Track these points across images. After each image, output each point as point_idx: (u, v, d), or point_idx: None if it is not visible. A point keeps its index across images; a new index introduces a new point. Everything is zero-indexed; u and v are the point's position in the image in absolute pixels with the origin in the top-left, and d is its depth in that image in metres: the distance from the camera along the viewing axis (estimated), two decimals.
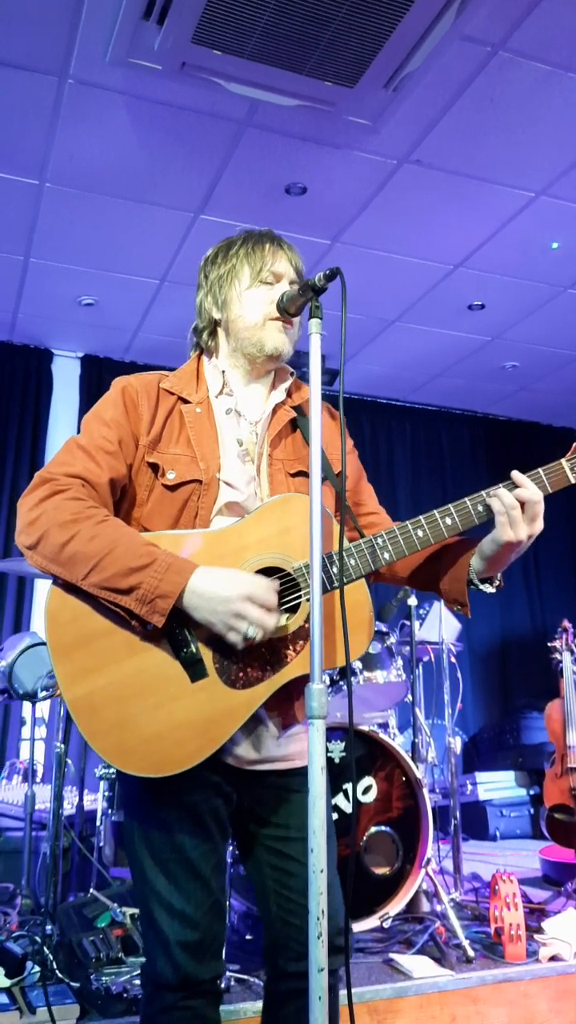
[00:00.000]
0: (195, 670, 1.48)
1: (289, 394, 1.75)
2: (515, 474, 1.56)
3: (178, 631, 1.48)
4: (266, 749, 1.58)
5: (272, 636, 1.48)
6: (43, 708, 4.32)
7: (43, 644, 3.68)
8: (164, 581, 1.43)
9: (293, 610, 1.51)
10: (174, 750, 1.46)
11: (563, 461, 1.60)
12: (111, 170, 4.20)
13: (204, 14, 3.09)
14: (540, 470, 1.58)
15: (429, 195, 4.44)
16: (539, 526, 1.55)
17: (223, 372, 1.73)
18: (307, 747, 1.53)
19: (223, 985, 2.25)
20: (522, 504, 1.54)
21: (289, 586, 1.52)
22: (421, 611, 4.28)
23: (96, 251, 4.92)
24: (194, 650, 1.48)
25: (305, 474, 1.65)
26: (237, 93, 3.54)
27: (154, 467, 1.61)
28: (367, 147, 4.04)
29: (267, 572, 1.52)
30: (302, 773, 1.57)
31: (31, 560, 1.52)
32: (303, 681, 1.45)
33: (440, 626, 4.17)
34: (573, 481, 1.59)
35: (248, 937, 3.02)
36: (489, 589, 1.64)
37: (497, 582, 1.65)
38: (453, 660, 4.31)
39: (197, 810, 1.53)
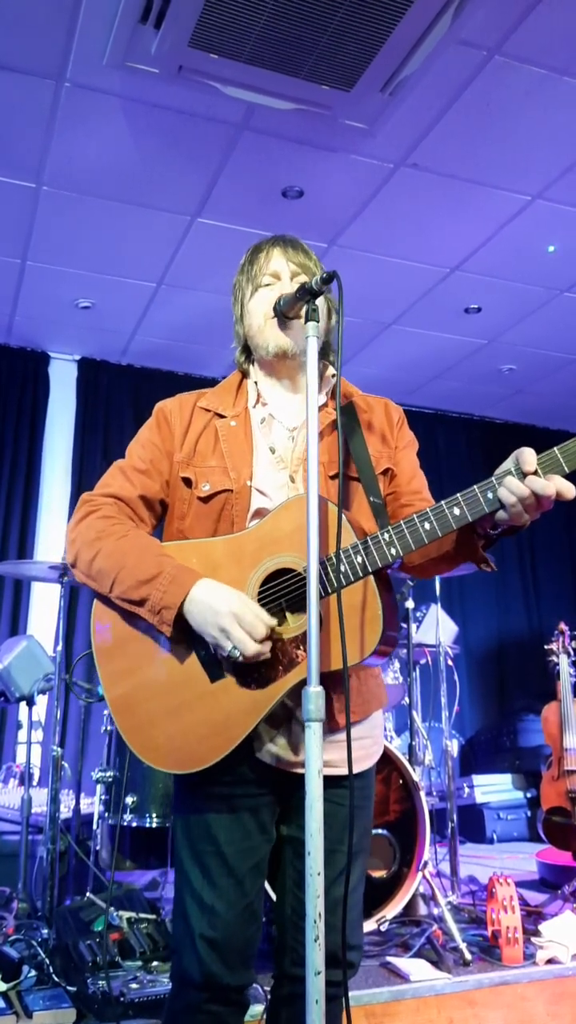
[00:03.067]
0: (214, 671, 1.54)
1: (332, 396, 1.76)
2: (527, 456, 1.41)
3: (197, 634, 1.54)
4: (303, 753, 1.56)
5: (283, 637, 1.50)
6: (39, 711, 4.31)
7: (39, 647, 3.68)
8: (167, 593, 1.52)
9: (303, 610, 1.51)
10: (196, 747, 1.52)
11: (555, 449, 1.42)
12: (108, 173, 4.21)
13: (201, 18, 3.09)
14: (556, 449, 1.42)
15: (426, 199, 4.44)
16: (543, 509, 1.44)
17: (255, 383, 1.80)
18: (334, 755, 1.54)
19: None
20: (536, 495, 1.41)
21: (301, 587, 1.53)
22: (418, 614, 4.29)
23: (93, 254, 4.93)
24: (212, 651, 1.54)
25: (345, 476, 1.65)
26: (234, 97, 3.54)
27: (187, 481, 1.70)
28: (364, 151, 4.05)
29: (278, 574, 1.55)
30: (341, 785, 1.56)
31: (76, 576, 1.67)
32: (338, 682, 1.48)
33: (437, 629, 4.18)
34: (568, 470, 1.42)
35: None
36: (494, 533, 1.55)
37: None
38: (450, 663, 4.31)
39: (235, 805, 1.57)
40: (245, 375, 1.84)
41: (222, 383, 1.85)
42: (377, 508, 1.66)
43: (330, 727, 1.56)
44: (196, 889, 1.55)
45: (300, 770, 1.56)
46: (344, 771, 1.53)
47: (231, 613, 1.47)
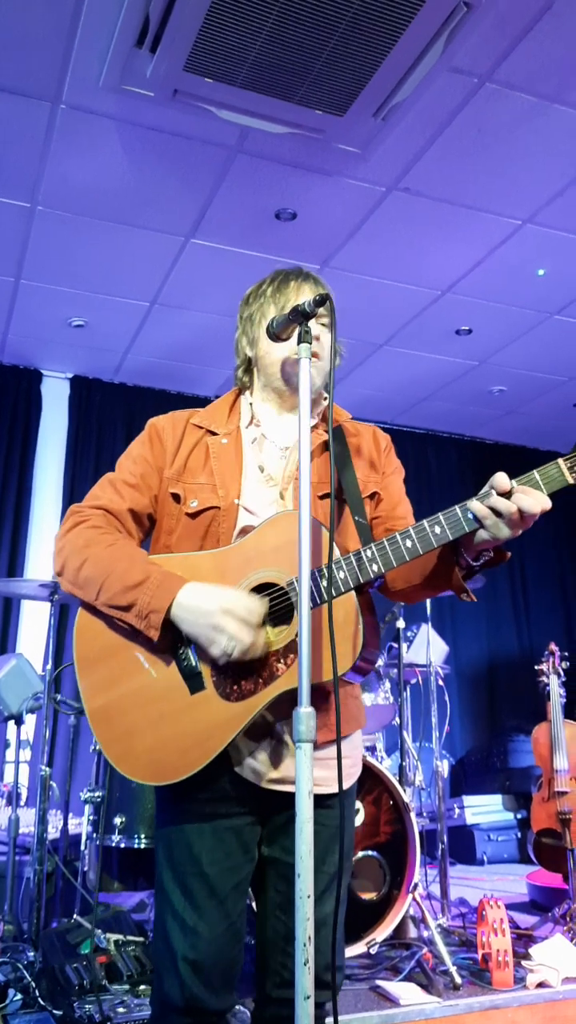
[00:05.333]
0: (194, 683, 1.55)
1: (324, 418, 1.79)
2: (500, 481, 1.46)
3: (180, 646, 1.56)
4: (285, 768, 1.57)
5: (259, 652, 1.50)
6: (28, 730, 4.29)
7: (28, 664, 3.66)
8: (155, 597, 1.52)
9: (286, 622, 1.53)
10: (175, 759, 1.52)
11: (560, 460, 1.48)
12: (103, 194, 4.24)
13: (196, 42, 3.14)
14: (535, 472, 1.47)
15: (417, 222, 4.49)
16: (523, 527, 1.48)
17: (251, 405, 1.81)
18: (330, 775, 1.55)
19: None
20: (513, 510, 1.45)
21: (282, 600, 1.54)
22: (409, 633, 4.29)
23: (87, 273, 4.95)
24: (193, 663, 1.55)
25: (332, 495, 1.62)
26: (228, 120, 3.58)
27: (176, 497, 1.71)
28: (356, 174, 4.10)
29: (263, 587, 1.55)
30: (326, 805, 1.58)
31: (62, 585, 1.67)
32: (319, 697, 1.46)
33: (428, 648, 4.18)
34: (571, 481, 1.47)
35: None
36: (476, 564, 1.58)
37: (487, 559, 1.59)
38: (441, 683, 4.31)
39: (217, 825, 1.55)
40: (241, 391, 1.86)
41: (217, 401, 1.86)
42: (362, 528, 1.68)
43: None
44: (178, 910, 1.53)
45: (280, 787, 1.57)
46: (325, 790, 1.56)
47: (222, 609, 1.48)
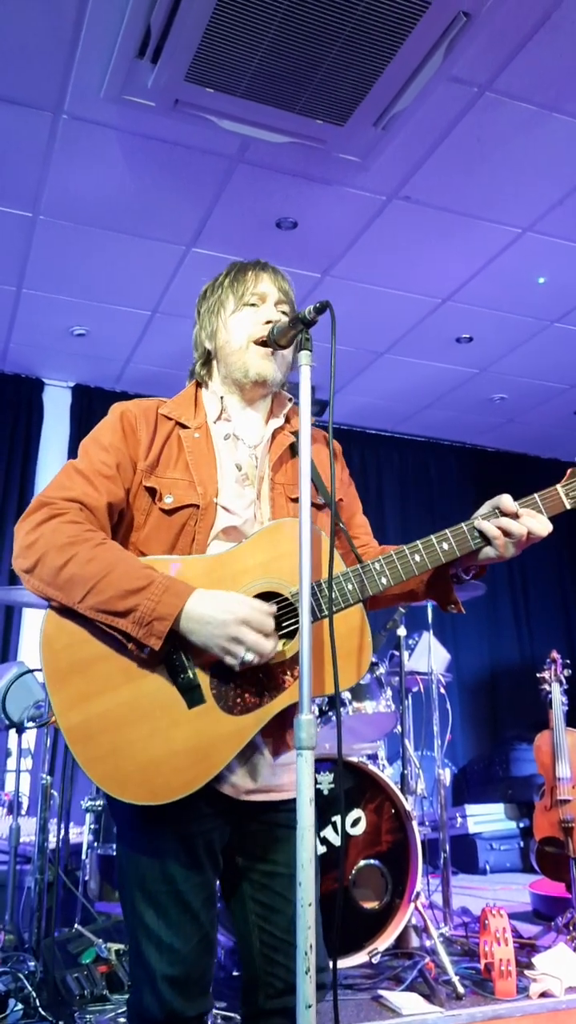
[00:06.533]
0: (192, 696, 1.47)
1: (288, 419, 1.76)
2: (507, 503, 1.55)
3: (175, 656, 1.47)
4: (262, 778, 1.56)
5: (269, 661, 1.47)
6: (29, 739, 4.28)
7: (30, 673, 3.66)
8: (161, 603, 1.42)
9: (290, 636, 1.50)
10: (171, 777, 1.44)
11: (558, 487, 1.59)
12: (104, 203, 4.26)
13: (198, 53, 3.16)
14: (536, 496, 1.58)
15: (417, 230, 4.51)
16: (520, 549, 1.58)
17: (221, 398, 1.75)
18: (284, 779, 1.54)
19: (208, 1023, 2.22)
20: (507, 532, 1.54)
21: (287, 611, 1.52)
22: (410, 641, 4.28)
23: (88, 282, 4.97)
24: (191, 675, 1.47)
25: (313, 503, 1.64)
26: (229, 130, 3.60)
27: (151, 491, 1.61)
28: (357, 183, 4.12)
29: (263, 597, 1.51)
30: (293, 807, 1.56)
31: (28, 584, 1.51)
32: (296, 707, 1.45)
33: (429, 656, 4.17)
34: (569, 507, 1.58)
35: (235, 973, 2.98)
36: (465, 577, 1.66)
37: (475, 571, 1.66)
38: (442, 691, 4.30)
39: (191, 841, 1.50)
40: (200, 385, 1.80)
41: (180, 393, 1.80)
42: (345, 533, 1.69)
43: (280, 749, 1.57)
44: (152, 929, 1.48)
45: (257, 797, 1.56)
46: (292, 794, 1.54)
47: (238, 619, 1.42)
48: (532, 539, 1.55)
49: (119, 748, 1.44)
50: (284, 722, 1.54)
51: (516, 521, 1.54)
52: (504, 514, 1.54)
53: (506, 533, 1.53)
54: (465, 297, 5.18)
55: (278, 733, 1.56)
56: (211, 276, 1.85)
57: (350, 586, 1.52)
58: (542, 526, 1.54)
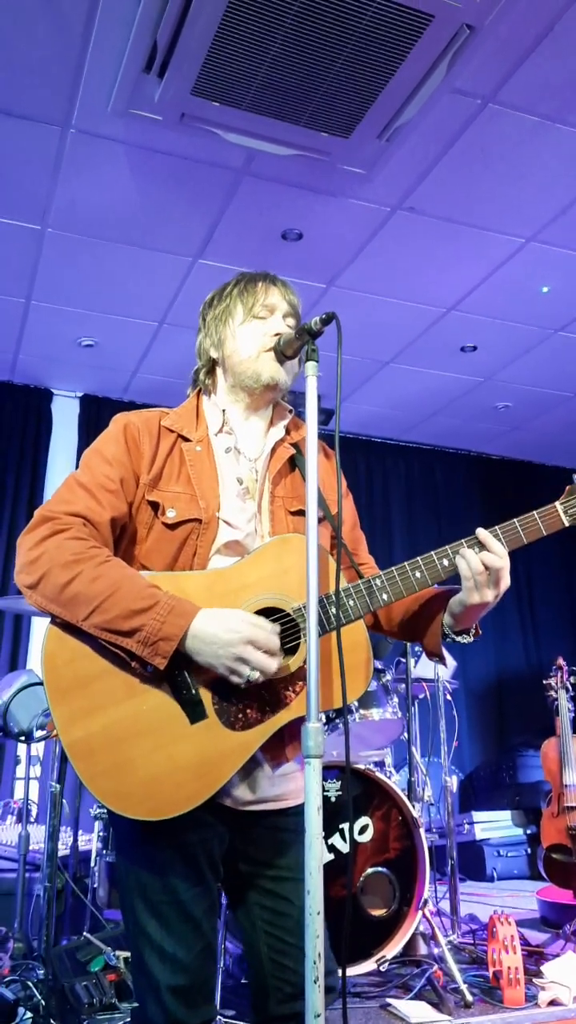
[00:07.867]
0: (194, 711, 1.47)
1: (288, 431, 1.77)
2: (480, 532, 1.56)
3: (177, 673, 1.47)
4: (261, 789, 1.57)
5: (273, 677, 1.48)
6: (38, 747, 4.29)
7: (40, 683, 3.67)
8: (167, 624, 1.43)
9: (292, 651, 1.51)
10: (173, 792, 1.44)
11: (556, 504, 1.58)
12: (112, 216, 4.30)
13: (204, 67, 3.19)
14: (516, 521, 1.57)
15: (422, 241, 4.54)
16: (504, 586, 1.55)
17: (223, 410, 1.74)
18: (301, 786, 1.53)
19: None
20: (487, 567, 1.53)
21: (289, 627, 1.52)
22: (416, 648, 4.29)
23: (96, 294, 5.01)
24: (194, 692, 1.47)
25: (304, 512, 1.64)
26: (235, 143, 3.64)
27: (154, 505, 1.60)
28: (361, 195, 4.15)
29: (266, 613, 1.51)
30: (295, 813, 1.58)
31: (30, 599, 1.50)
32: (296, 721, 1.47)
33: (435, 663, 4.17)
34: (567, 524, 1.58)
35: (244, 981, 2.98)
36: (466, 639, 1.66)
37: (472, 632, 1.66)
38: (449, 697, 4.31)
39: (191, 851, 1.51)
40: (202, 394, 1.80)
41: (183, 405, 1.79)
42: (345, 549, 1.69)
43: (279, 761, 1.58)
44: (155, 940, 1.48)
45: (257, 807, 1.57)
46: (294, 802, 1.60)
47: (244, 640, 1.42)
48: (501, 573, 1.54)
49: (121, 763, 1.45)
50: (282, 735, 1.54)
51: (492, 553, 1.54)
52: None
53: (483, 571, 1.53)
54: (469, 306, 5.20)
55: (277, 746, 1.57)
56: (218, 287, 1.86)
57: (351, 602, 1.54)
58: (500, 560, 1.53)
